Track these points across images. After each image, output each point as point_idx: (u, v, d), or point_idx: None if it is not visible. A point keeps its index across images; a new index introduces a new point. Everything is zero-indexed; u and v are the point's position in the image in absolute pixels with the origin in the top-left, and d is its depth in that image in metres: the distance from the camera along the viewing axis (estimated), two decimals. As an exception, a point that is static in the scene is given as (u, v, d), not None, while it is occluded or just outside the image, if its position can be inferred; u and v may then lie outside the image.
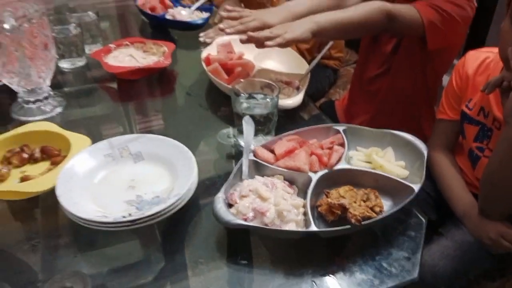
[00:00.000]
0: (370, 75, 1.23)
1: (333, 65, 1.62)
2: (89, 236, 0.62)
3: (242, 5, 1.52)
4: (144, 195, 0.66)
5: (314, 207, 0.64)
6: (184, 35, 1.32)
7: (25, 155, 0.74)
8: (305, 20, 0.86)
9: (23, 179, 0.70)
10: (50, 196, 0.64)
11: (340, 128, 0.77)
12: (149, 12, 1.33)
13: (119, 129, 0.90)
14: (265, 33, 0.81)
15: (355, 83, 1.34)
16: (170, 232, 0.64)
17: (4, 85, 0.89)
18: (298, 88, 0.96)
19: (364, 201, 0.63)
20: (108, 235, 0.62)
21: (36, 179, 0.68)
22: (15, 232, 0.66)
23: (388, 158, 0.73)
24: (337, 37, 1.33)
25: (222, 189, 0.64)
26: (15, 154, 0.74)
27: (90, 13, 1.18)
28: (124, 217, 0.58)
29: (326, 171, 0.68)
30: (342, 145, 0.74)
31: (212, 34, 1.19)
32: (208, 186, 0.72)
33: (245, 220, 0.60)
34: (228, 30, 0.86)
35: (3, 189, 0.67)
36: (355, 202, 0.62)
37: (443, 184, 0.98)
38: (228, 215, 0.59)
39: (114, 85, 1.04)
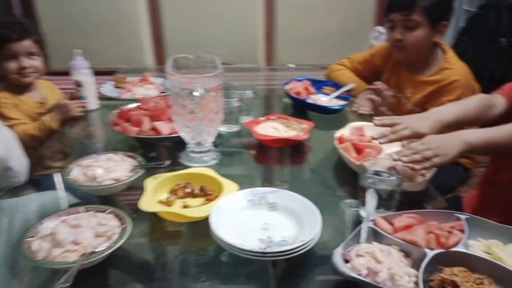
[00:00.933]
0: (504, 179, 1.22)
1: (465, 164, 1.61)
2: (221, 262, 0.77)
3: (377, 96, 1.66)
4: (274, 237, 0.78)
5: (426, 282, 0.69)
6: (320, 117, 1.49)
7: (188, 190, 0.95)
8: (457, 139, 0.93)
9: (184, 207, 0.89)
10: (200, 223, 0.82)
11: (462, 216, 0.81)
12: (294, 95, 1.56)
13: (257, 185, 1.07)
14: (416, 157, 0.91)
15: (485, 184, 1.32)
16: (289, 273, 0.75)
17: (178, 137, 1.15)
18: (422, 175, 1.02)
19: (477, 285, 0.65)
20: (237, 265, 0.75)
21: (195, 208, 0.87)
22: (169, 248, 0.84)
23: (509, 253, 0.74)
24: (484, 154, 1.36)
25: (341, 246, 0.73)
26: (181, 188, 0.95)
27: (249, 91, 1.45)
28: (260, 248, 0.71)
29: (442, 250, 0.72)
30: (461, 231, 0.77)
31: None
32: (326, 242, 0.81)
33: (359, 275, 0.67)
34: (382, 140, 0.99)
35: (171, 210, 0.86)
36: (467, 282, 0.64)
37: None
38: (344, 268, 0.68)
39: (257, 150, 1.24)
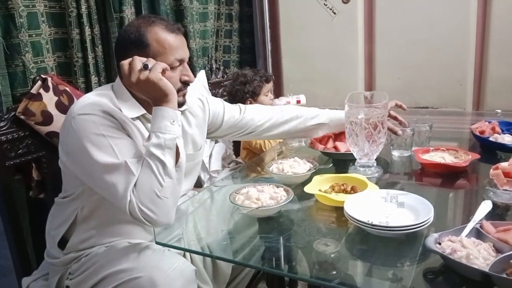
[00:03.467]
0: None
1: None
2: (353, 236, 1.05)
3: None
4: (391, 222, 1.01)
5: (503, 271, 0.79)
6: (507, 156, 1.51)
7: (342, 187, 1.26)
8: None
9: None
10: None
11: None
12: (477, 133, 1.63)
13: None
14: None
15: None
16: (401, 248, 0.97)
17: (349, 154, 1.47)
18: None
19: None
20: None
21: (338, 195, 1.18)
22: (312, 216, 1.18)
23: None
24: None
25: (439, 233, 0.90)
26: (337, 185, 1.27)
27: (426, 125, 1.64)
28: (380, 222, 0.98)
29: (531, 251, 0.80)
30: None
31: None
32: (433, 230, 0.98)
33: (442, 252, 0.84)
34: None
35: (321, 194, 1.20)
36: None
37: None
38: (432, 244, 0.86)
39: (418, 173, 1.43)
